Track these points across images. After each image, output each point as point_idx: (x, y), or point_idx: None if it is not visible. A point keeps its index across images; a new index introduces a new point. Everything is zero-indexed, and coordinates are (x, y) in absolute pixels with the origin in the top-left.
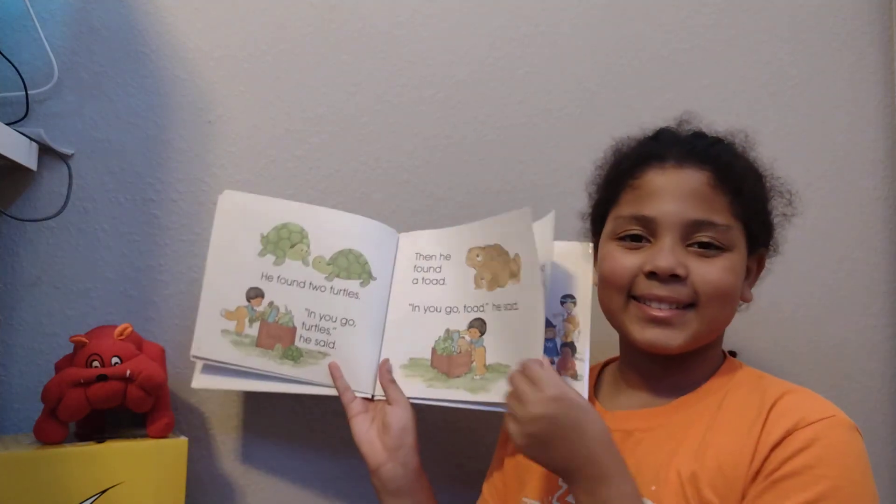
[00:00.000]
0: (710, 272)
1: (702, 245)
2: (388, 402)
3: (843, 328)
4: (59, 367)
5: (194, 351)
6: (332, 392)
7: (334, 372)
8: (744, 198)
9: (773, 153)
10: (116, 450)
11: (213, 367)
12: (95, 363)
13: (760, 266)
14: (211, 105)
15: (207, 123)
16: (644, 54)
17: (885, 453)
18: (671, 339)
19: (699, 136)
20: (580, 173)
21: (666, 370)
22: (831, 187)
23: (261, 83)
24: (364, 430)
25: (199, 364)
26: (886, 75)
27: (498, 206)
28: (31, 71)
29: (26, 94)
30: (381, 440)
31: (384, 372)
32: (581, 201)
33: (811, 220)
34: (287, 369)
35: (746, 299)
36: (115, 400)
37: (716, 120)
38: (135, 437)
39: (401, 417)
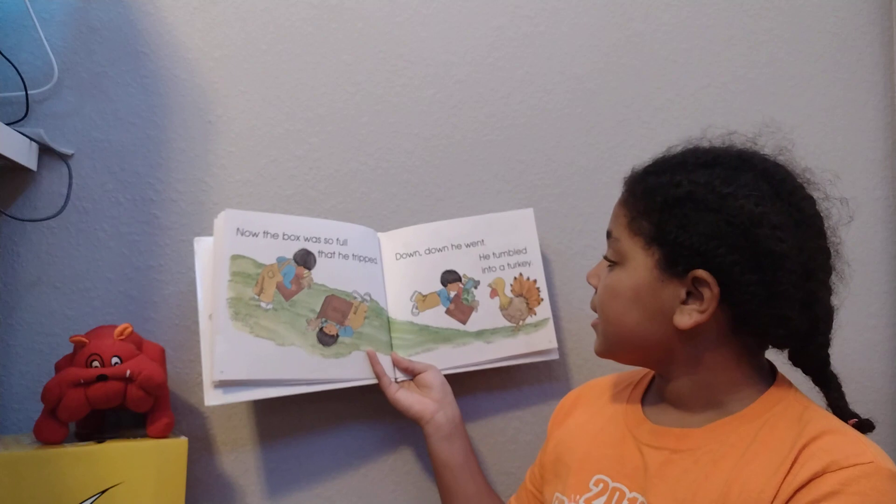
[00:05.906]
0: (600, 286)
1: (607, 258)
2: (419, 372)
3: (844, 328)
4: (59, 367)
5: (217, 375)
6: (359, 383)
7: (373, 357)
8: (647, 216)
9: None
10: (116, 450)
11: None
12: (95, 363)
13: (708, 292)
14: (211, 105)
15: (207, 123)
16: (644, 54)
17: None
18: (595, 344)
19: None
20: (580, 173)
21: (673, 390)
22: (831, 187)
23: (261, 83)
24: (409, 395)
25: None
26: (886, 75)
27: (498, 206)
28: (31, 71)
29: (26, 94)
30: (428, 397)
31: (399, 359)
32: (581, 201)
33: None
34: (317, 363)
35: (678, 325)
36: (115, 400)
37: (716, 120)
38: (135, 437)
39: (437, 376)
